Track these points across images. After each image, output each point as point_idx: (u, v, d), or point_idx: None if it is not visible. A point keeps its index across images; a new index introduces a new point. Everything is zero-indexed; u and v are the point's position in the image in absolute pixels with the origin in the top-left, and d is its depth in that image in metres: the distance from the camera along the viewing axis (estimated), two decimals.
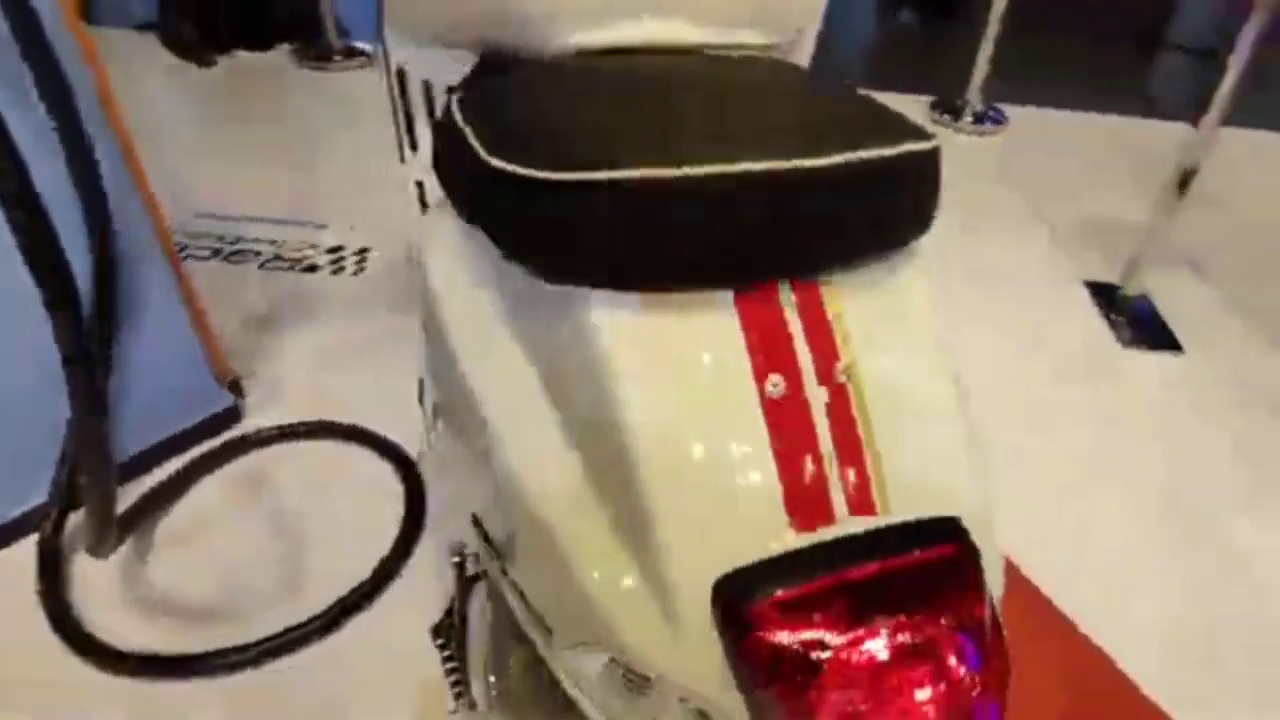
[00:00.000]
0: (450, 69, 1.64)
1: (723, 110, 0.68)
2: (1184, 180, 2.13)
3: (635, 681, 0.64)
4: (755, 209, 0.58)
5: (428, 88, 1.72)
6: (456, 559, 1.15)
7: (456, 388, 0.74)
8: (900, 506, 0.60)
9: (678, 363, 0.59)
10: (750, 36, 0.84)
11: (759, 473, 0.59)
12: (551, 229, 0.60)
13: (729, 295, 0.61)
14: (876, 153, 0.60)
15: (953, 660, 0.56)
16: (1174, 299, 2.32)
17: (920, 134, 0.62)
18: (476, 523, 0.79)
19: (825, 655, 0.55)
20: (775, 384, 0.60)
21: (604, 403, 0.59)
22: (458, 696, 0.99)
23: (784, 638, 0.55)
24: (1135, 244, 2.28)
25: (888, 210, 0.63)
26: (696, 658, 0.58)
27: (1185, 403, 2.01)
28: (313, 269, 2.34)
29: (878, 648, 0.55)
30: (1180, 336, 2.19)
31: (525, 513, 0.64)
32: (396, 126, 1.75)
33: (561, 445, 0.64)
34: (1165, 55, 4.25)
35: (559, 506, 0.62)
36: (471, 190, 0.70)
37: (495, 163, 0.62)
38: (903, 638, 0.55)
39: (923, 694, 0.55)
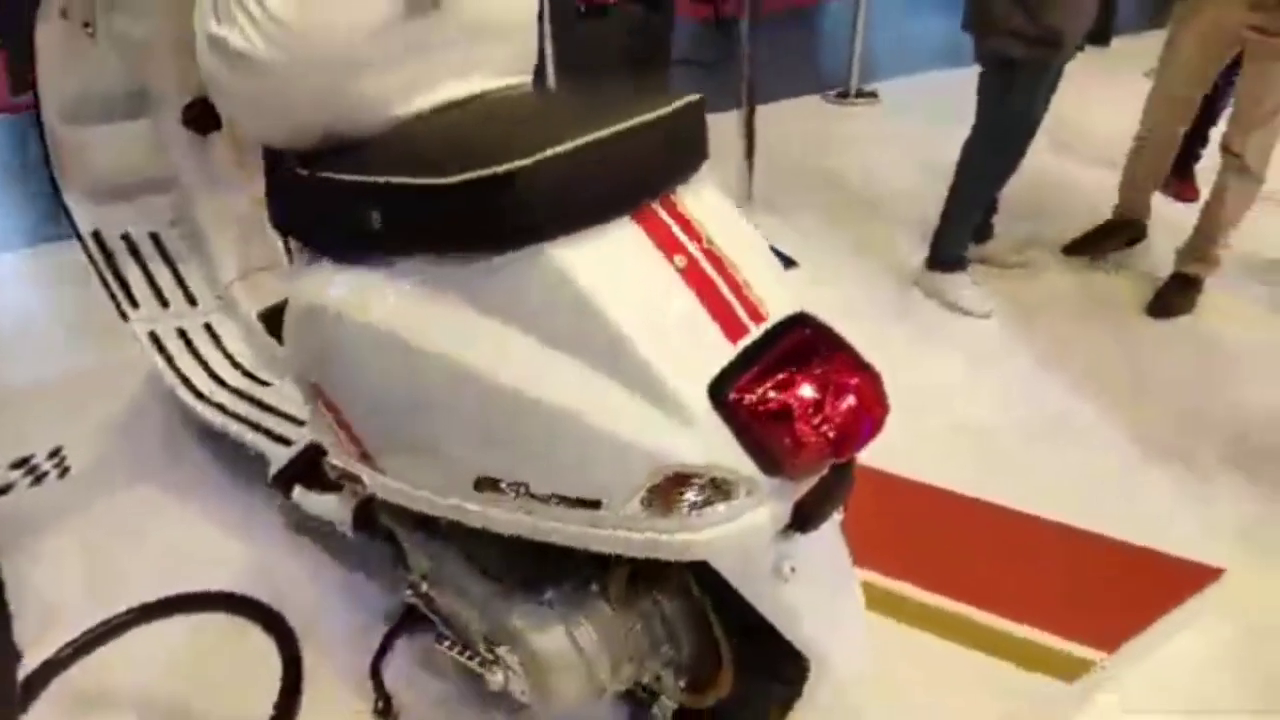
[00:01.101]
0: (146, 213, 1.68)
1: (552, 113, 0.97)
2: (749, 149, 2.82)
3: (675, 496, 0.88)
4: (633, 154, 0.87)
5: (129, 239, 1.72)
6: (410, 592, 1.26)
7: (443, 390, 0.92)
8: (773, 310, 0.93)
9: (620, 268, 0.86)
10: (515, 79, 1.13)
11: (697, 317, 0.88)
12: (513, 208, 0.83)
13: (626, 219, 0.89)
14: (675, 105, 0.93)
15: (850, 379, 0.89)
16: (773, 232, 3.01)
17: (686, 93, 0.96)
18: (486, 484, 0.96)
19: (787, 398, 0.85)
20: (679, 261, 0.89)
21: (588, 314, 0.84)
22: (495, 669, 1.12)
23: (760, 399, 0.85)
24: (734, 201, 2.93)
25: (689, 142, 0.96)
26: (713, 442, 0.85)
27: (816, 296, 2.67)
28: (2, 492, 2.09)
29: (810, 387, 0.87)
30: (792, 255, 2.88)
31: (571, 421, 0.86)
32: (108, 289, 1.71)
33: (570, 362, 0.87)
34: (681, 69, 5.30)
35: (593, 399, 0.86)
36: (417, 216, 0.89)
37: (451, 180, 0.84)
38: (821, 376, 0.88)
39: (845, 401, 0.87)
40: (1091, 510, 1.81)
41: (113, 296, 1.69)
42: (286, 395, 1.65)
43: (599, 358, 0.86)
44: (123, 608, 1.65)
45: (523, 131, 0.91)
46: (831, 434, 0.85)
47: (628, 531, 0.90)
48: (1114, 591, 1.66)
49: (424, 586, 1.24)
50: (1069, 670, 1.50)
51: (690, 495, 0.87)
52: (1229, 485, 1.91)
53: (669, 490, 0.87)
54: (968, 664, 1.50)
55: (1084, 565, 1.71)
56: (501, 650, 1.13)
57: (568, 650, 1.10)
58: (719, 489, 0.87)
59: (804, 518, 0.93)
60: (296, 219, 1.05)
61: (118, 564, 1.78)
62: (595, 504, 0.90)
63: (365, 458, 1.10)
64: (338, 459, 1.16)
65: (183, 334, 1.74)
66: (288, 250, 1.83)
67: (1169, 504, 1.86)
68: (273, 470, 1.47)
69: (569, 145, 0.83)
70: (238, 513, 1.84)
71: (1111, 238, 2.75)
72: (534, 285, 0.86)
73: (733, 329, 0.90)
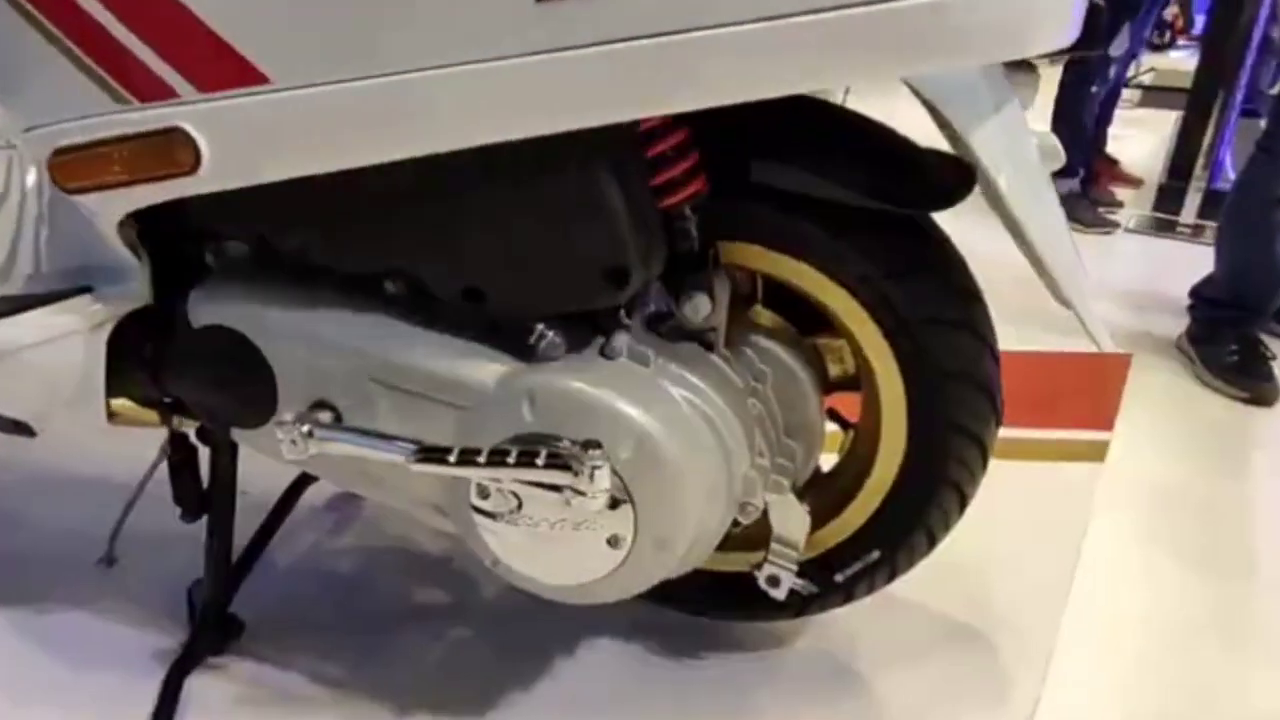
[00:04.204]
0: None
1: None
2: None
3: None
4: None
5: None
6: (306, 428, 0.70)
7: None
8: None
9: None
10: None
11: None
12: None
13: None
14: None
15: None
16: None
17: None
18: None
19: None
20: None
21: None
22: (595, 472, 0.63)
23: None
24: None
25: None
26: None
27: None
28: None
29: None
30: None
31: None
32: None
33: None
34: None
35: None
36: None
37: None
38: None
39: None
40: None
41: None
42: None
43: None
44: None
45: None
46: None
47: None
48: (1077, 390, 1.64)
49: (324, 424, 0.69)
50: (1095, 454, 1.40)
51: None
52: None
53: None
54: (1011, 473, 1.31)
55: (1041, 379, 1.64)
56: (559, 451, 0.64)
57: (693, 420, 0.67)
58: None
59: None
60: None
61: None
62: None
63: (221, 62, 0.59)
64: (129, 116, 0.63)
65: None
66: None
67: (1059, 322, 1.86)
68: None
69: None
70: None
71: None
72: None
73: None
